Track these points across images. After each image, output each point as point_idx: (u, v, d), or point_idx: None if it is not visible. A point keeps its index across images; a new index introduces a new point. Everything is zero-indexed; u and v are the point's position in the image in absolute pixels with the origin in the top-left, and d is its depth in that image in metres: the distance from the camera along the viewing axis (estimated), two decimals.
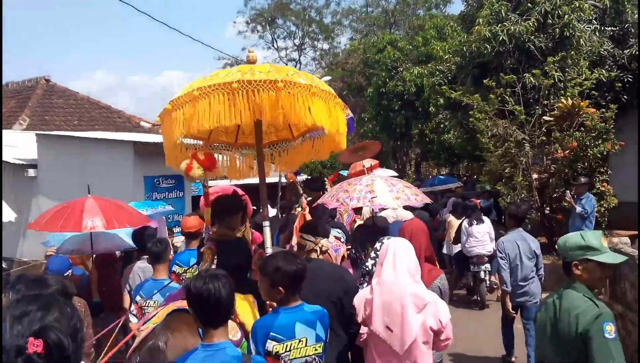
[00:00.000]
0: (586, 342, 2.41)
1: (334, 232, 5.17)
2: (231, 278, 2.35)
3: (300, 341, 2.68)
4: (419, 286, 3.10)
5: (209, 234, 3.56)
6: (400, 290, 2.99)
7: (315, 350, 2.72)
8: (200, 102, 3.02)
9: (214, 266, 3.46)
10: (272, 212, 8.67)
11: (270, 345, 2.63)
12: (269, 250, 3.54)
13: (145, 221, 5.65)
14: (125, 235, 5.93)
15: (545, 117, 8.62)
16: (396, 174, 21.90)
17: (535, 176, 9.35)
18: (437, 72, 12.02)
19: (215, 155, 4.40)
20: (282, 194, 10.60)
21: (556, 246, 2.99)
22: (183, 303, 2.74)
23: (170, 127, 3.19)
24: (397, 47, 22.67)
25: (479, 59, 9.94)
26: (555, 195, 8.90)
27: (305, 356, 2.68)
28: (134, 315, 4.55)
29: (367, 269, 3.72)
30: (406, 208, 7.99)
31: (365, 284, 3.55)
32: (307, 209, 5.36)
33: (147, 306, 4.43)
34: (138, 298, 4.56)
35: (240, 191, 4.50)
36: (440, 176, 18.65)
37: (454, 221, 8.89)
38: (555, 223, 9.30)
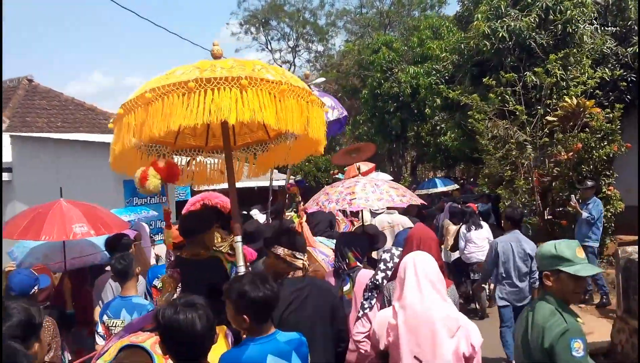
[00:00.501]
0: (553, 358, 2.35)
1: (331, 243, 4.94)
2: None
3: None
4: (449, 306, 2.74)
5: (170, 260, 3.09)
6: (429, 314, 2.65)
7: None
8: (153, 106, 2.67)
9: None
10: (261, 218, 8.18)
11: None
12: (242, 269, 3.08)
13: (125, 226, 5.17)
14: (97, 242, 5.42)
15: (548, 118, 8.19)
16: (391, 177, 21.58)
17: (536, 178, 8.91)
18: (434, 72, 11.57)
19: (183, 160, 4.00)
20: (273, 199, 10.08)
21: None
22: (138, 338, 2.46)
23: (120, 134, 2.82)
24: (392, 48, 22.29)
25: (478, 57, 9.52)
26: (558, 199, 8.46)
27: None
28: (100, 336, 4.10)
29: (376, 282, 3.36)
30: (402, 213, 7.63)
31: (374, 300, 3.26)
32: (305, 217, 5.03)
33: (115, 326, 4.02)
34: (105, 317, 4.12)
35: (221, 200, 4.12)
36: (437, 179, 18.20)
37: (451, 227, 8.55)
38: (559, 229, 8.86)
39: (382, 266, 3.41)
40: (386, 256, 3.45)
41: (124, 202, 7.92)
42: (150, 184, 2.81)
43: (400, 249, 3.51)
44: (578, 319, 2.52)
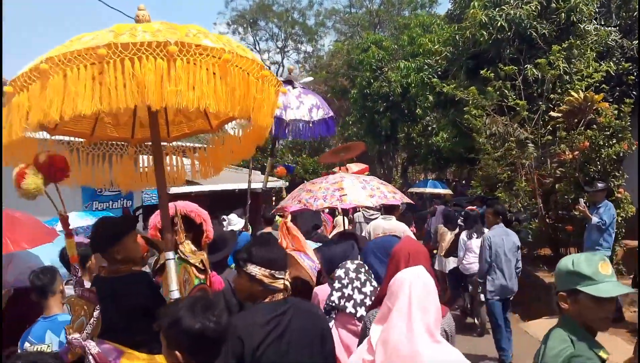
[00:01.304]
0: None
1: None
2: (129, 328, 1.95)
3: None
4: (440, 348, 2.07)
5: (77, 277, 2.31)
6: (414, 356, 2.02)
7: None
8: (51, 81, 1.97)
9: (91, 325, 2.24)
10: (239, 223, 7.40)
11: None
12: (175, 294, 2.47)
13: (54, 235, 4.29)
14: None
15: (552, 113, 7.48)
16: (382, 179, 20.89)
17: (537, 180, 8.21)
18: (426, 67, 10.81)
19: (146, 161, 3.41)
20: (252, 202, 9.25)
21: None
22: None
23: (9, 119, 2.06)
24: (382, 47, 21.61)
25: (474, 49, 8.79)
26: (562, 202, 7.74)
27: None
28: None
29: (331, 304, 2.94)
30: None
31: (331, 323, 2.84)
32: (290, 217, 4.49)
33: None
34: (27, 345, 3.32)
35: (192, 207, 3.45)
36: (430, 180, 17.49)
37: (446, 233, 7.93)
38: (563, 234, 8.16)
39: (336, 284, 2.95)
40: (340, 272, 2.99)
41: (81, 207, 7.07)
42: (29, 185, 2.03)
43: (357, 262, 3.09)
44: (602, 353, 1.96)
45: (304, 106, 4.35)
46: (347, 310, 2.88)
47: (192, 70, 2.01)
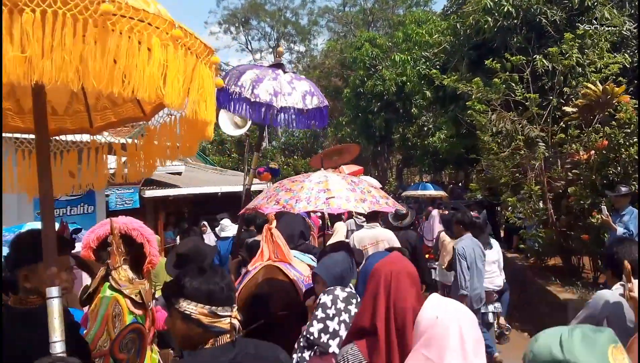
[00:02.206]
0: None
1: (306, 259, 4.30)
2: None
3: None
4: None
5: None
6: None
7: None
8: None
9: None
10: (233, 229, 6.55)
11: None
12: (58, 347, 1.82)
13: None
14: None
15: (566, 108, 6.65)
16: (377, 181, 20.14)
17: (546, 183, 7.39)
18: (423, 60, 9.94)
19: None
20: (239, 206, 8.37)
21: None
22: None
23: None
24: (376, 45, 20.83)
25: (477, 38, 7.94)
26: (577, 208, 6.91)
27: None
28: None
29: (309, 337, 2.48)
30: (388, 227, 6.12)
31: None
32: (275, 222, 4.17)
33: None
34: None
35: (134, 225, 2.83)
36: (422, 183, 16.70)
37: (448, 242, 7.10)
38: (575, 243, 7.34)
39: (319, 313, 2.50)
40: (326, 299, 2.54)
41: (33, 214, 6.16)
42: None
43: (348, 291, 2.62)
44: None
45: (296, 92, 3.89)
46: (331, 350, 2.41)
47: (102, 36, 1.36)
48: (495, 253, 6.01)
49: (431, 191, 13.90)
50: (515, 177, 7.55)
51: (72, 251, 3.06)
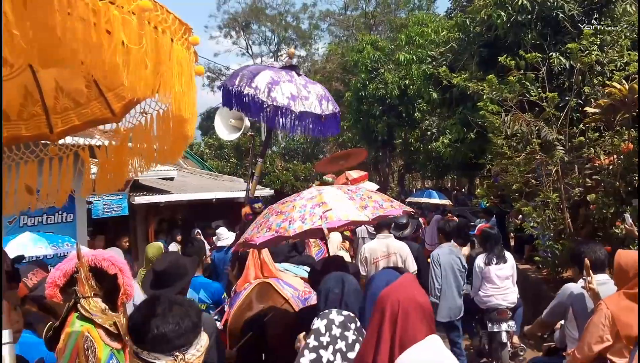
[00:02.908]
0: None
1: (301, 271, 4.10)
2: None
3: None
4: None
5: None
6: None
7: None
8: None
9: None
10: (230, 238, 6.37)
11: None
12: None
13: None
14: None
15: (588, 109, 6.11)
16: (378, 187, 19.64)
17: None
18: (429, 60, 9.41)
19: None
20: (236, 214, 8.15)
21: None
22: None
23: None
24: (378, 48, 20.35)
25: (489, 34, 7.41)
26: (598, 217, 6.36)
27: None
28: None
29: None
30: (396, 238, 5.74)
31: None
32: None
33: None
34: None
35: (104, 255, 2.43)
36: (428, 190, 16.15)
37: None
38: None
39: (311, 341, 2.24)
40: (320, 324, 2.29)
41: (4, 223, 5.62)
42: None
43: (346, 313, 2.33)
44: None
45: (312, 96, 3.69)
46: None
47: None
48: (509, 267, 5.53)
49: (436, 200, 13.48)
50: (530, 183, 7.02)
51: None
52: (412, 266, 5.12)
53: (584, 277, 3.29)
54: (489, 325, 5.51)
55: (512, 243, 11.35)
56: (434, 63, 9.09)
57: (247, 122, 5.12)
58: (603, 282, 3.23)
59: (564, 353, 3.54)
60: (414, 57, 10.55)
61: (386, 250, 5.32)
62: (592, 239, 6.86)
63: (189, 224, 10.71)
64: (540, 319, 3.94)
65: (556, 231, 7.01)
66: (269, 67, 3.67)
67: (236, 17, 41.11)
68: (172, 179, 10.05)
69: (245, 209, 4.13)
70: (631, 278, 2.85)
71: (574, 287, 3.57)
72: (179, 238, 9.26)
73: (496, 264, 5.45)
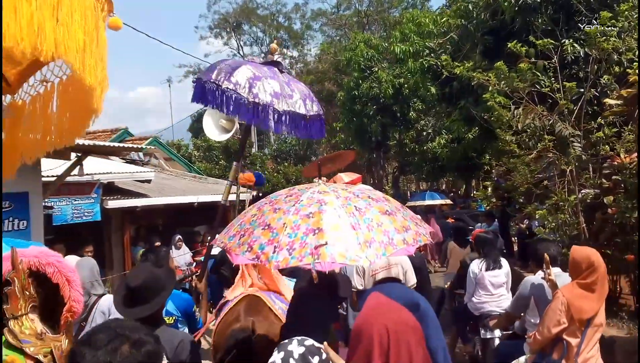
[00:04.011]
0: None
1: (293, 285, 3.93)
2: None
3: None
4: None
5: None
6: None
7: None
8: None
9: None
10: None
11: None
12: None
13: None
14: None
15: (609, 100, 5.44)
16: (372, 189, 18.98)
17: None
18: (427, 52, 8.73)
19: None
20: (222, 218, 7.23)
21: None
22: None
23: None
24: (371, 46, 19.70)
25: (494, 20, 6.71)
26: (618, 222, 5.67)
27: None
28: None
29: None
30: None
31: None
32: None
33: None
34: None
35: (49, 259, 2.01)
36: (428, 192, 15.53)
37: (457, 249, 7.22)
38: (614, 264, 6.11)
39: None
40: (276, 357, 2.01)
41: None
42: None
43: (308, 343, 2.04)
44: None
45: (296, 95, 3.49)
46: None
47: None
48: (503, 274, 5.40)
49: (438, 200, 13.01)
50: (542, 184, 6.34)
51: None
52: (412, 279, 4.64)
53: (543, 270, 3.72)
54: (482, 331, 5.40)
55: (515, 248, 10.67)
56: (432, 55, 8.41)
57: (237, 124, 4.90)
58: (558, 274, 3.71)
59: (525, 337, 3.86)
60: (410, 49, 9.89)
61: (386, 261, 4.65)
62: (610, 246, 6.23)
63: (170, 230, 9.97)
64: (506, 312, 4.49)
65: (569, 238, 6.33)
66: (249, 62, 3.40)
67: (227, 17, 40.63)
68: (149, 181, 9.29)
69: None
70: (584, 270, 3.27)
71: (534, 279, 4.03)
72: (157, 244, 8.56)
73: (492, 270, 5.33)
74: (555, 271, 3.72)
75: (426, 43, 8.62)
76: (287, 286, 3.80)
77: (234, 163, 4.04)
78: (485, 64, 6.70)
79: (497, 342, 5.26)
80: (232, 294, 3.48)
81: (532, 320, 3.88)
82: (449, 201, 13.86)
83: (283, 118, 3.30)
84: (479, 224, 11.16)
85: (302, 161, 25.29)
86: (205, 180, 12.64)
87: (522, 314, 4.16)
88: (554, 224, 5.74)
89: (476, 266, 5.42)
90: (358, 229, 2.31)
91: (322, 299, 2.53)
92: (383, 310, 1.66)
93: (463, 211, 15.43)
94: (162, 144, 17.00)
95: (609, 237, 6.22)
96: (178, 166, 16.91)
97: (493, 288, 5.35)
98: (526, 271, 9.12)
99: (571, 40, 6.10)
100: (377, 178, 25.97)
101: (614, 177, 5.92)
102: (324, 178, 10.94)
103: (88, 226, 8.31)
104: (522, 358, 3.73)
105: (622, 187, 5.96)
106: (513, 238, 11.25)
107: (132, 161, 12.26)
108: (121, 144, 7.14)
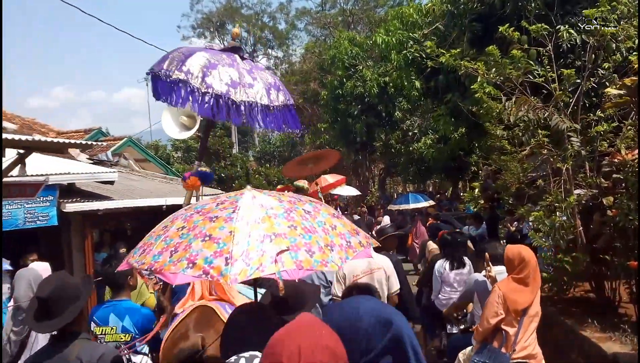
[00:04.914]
0: None
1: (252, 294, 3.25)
2: None
3: None
4: None
5: None
6: None
7: None
8: None
9: None
10: None
11: None
12: None
13: None
14: None
15: (610, 90, 4.90)
16: (359, 192, 18.45)
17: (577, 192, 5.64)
18: (411, 43, 8.15)
19: None
20: None
21: None
22: None
23: None
24: (356, 44, 19.16)
25: (482, 5, 6.16)
26: (621, 225, 5.14)
27: None
28: None
29: None
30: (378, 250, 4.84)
31: None
32: None
33: None
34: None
35: None
36: (411, 194, 15.01)
37: (436, 250, 7.13)
38: (613, 271, 5.59)
39: None
40: None
41: None
42: None
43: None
44: None
45: (258, 84, 3.27)
46: None
47: None
48: (466, 273, 5.55)
49: (422, 203, 12.56)
50: (534, 184, 5.80)
51: None
52: (395, 285, 4.46)
53: (486, 268, 3.95)
54: (448, 326, 5.59)
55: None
56: (416, 47, 7.83)
57: (199, 120, 4.56)
58: (501, 272, 3.87)
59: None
60: (392, 39, 9.37)
61: (368, 266, 4.37)
62: (609, 251, 5.72)
63: (139, 234, 9.26)
64: (454, 303, 4.91)
65: (566, 243, 5.78)
66: (205, 49, 3.23)
67: (210, 17, 40.03)
68: (112, 183, 8.58)
69: None
70: (516, 265, 3.57)
71: (478, 276, 4.34)
72: (122, 250, 7.87)
73: (455, 269, 5.58)
74: (499, 269, 3.94)
75: (410, 34, 8.11)
76: (240, 296, 3.54)
77: (195, 163, 3.89)
78: (473, 53, 6.14)
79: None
80: (181, 308, 3.29)
81: (478, 313, 4.15)
82: (432, 203, 13.34)
83: (241, 109, 3.09)
84: (467, 227, 10.63)
85: (287, 161, 24.71)
86: (177, 181, 11.94)
87: (471, 305, 4.54)
88: (549, 227, 5.19)
89: (441, 265, 5.67)
90: (315, 233, 2.13)
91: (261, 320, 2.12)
92: (301, 329, 1.42)
93: (450, 213, 14.95)
94: (137, 144, 16.26)
95: (607, 241, 5.70)
96: (155, 168, 16.19)
97: (457, 285, 5.56)
98: None
99: (567, 27, 5.57)
100: (363, 180, 25.45)
101: (614, 176, 5.40)
102: (306, 181, 10.41)
103: (45, 230, 7.62)
104: (468, 349, 4.04)
105: (623, 186, 5.45)
106: (502, 241, 10.71)
107: (100, 162, 11.57)
108: (67, 140, 6.44)
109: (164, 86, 2.96)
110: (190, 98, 2.94)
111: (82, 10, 10.04)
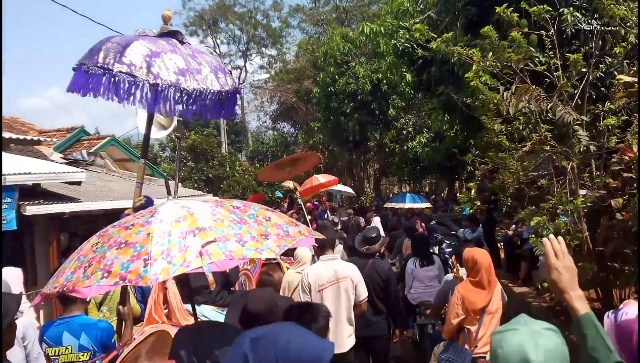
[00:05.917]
0: None
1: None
2: None
3: None
4: None
5: None
6: None
7: None
8: None
9: None
10: None
11: None
12: None
13: None
14: None
15: (622, 77, 4.33)
16: (354, 194, 17.90)
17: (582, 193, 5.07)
18: (401, 32, 7.57)
19: None
20: None
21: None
22: None
23: None
24: (349, 40, 18.58)
25: None
26: (631, 228, 4.58)
27: None
28: None
29: None
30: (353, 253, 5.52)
31: None
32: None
33: None
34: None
35: None
36: (409, 194, 14.46)
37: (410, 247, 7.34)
38: (622, 279, 5.05)
39: None
40: None
41: None
42: None
43: None
44: None
45: (205, 69, 2.96)
46: None
47: None
48: (435, 269, 6.07)
49: (418, 204, 12.15)
50: (535, 184, 5.23)
51: None
52: (363, 293, 4.31)
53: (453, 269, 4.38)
54: (419, 318, 6.13)
55: (502, 256, 9.52)
56: (405, 33, 7.24)
57: (175, 120, 4.41)
58: None
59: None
60: (380, 28, 8.78)
61: (334, 275, 4.23)
62: (617, 257, 5.17)
63: None
64: (432, 304, 5.13)
65: (572, 248, 5.20)
66: (141, 36, 2.96)
67: (203, 14, 39.47)
68: (79, 183, 7.97)
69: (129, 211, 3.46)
70: (471, 268, 3.93)
71: (450, 277, 4.66)
72: None
73: (425, 266, 6.05)
74: None
75: (400, 23, 7.55)
76: (204, 319, 3.42)
77: (141, 160, 3.63)
78: (467, 39, 5.56)
79: (429, 327, 6.00)
80: (140, 332, 3.09)
81: None
82: (429, 205, 12.80)
83: (193, 99, 2.86)
84: (462, 230, 10.07)
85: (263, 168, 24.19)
86: (155, 182, 11.32)
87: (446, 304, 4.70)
88: (552, 232, 4.61)
89: (412, 263, 6.15)
90: (245, 224, 2.14)
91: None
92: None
93: (446, 214, 14.40)
94: (121, 143, 15.63)
95: (618, 247, 5.13)
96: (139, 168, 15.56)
97: (427, 281, 6.02)
98: (517, 286, 8.03)
99: (571, 9, 4.99)
100: (358, 180, 24.89)
101: (625, 174, 4.83)
102: (297, 183, 9.79)
103: (6, 235, 7.01)
104: (442, 343, 4.23)
105: (634, 187, 4.88)
106: (499, 244, 10.13)
107: (75, 161, 10.95)
108: (9, 135, 5.83)
109: (100, 82, 2.69)
110: (137, 93, 2.70)
111: (74, 10, 10.38)
